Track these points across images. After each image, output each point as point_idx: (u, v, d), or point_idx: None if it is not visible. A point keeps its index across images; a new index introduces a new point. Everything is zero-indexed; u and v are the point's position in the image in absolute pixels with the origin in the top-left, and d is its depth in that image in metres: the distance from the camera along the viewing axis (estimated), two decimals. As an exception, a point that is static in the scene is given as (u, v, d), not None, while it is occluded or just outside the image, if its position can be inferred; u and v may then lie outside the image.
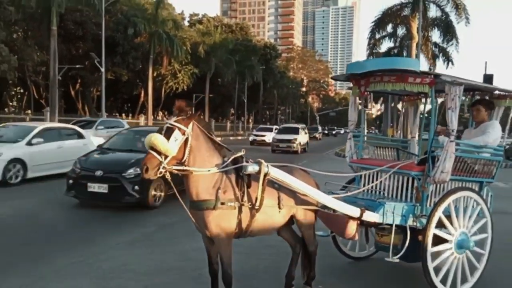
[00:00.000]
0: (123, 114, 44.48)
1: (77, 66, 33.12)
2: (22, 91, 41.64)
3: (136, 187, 8.25)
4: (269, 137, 32.12)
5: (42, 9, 28.31)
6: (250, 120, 71.31)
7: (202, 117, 4.18)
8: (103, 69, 29.17)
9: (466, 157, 4.83)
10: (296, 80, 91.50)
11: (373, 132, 63.14)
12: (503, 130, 5.21)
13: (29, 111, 35.28)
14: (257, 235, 4.14)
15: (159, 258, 5.64)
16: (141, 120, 39.74)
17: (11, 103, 43.28)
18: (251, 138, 35.95)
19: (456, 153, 4.57)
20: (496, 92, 5.37)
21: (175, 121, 3.55)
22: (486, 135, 5.00)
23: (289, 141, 26.67)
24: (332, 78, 10.62)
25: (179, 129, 3.52)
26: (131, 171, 8.35)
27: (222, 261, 3.86)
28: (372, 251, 5.83)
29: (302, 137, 28.58)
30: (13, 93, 42.37)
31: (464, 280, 4.74)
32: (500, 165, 5.08)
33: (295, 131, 28.56)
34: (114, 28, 35.90)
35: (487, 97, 5.42)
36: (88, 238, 6.55)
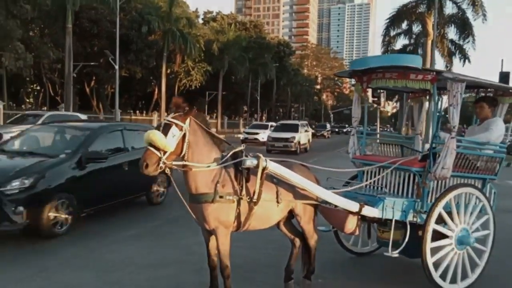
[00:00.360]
0: (137, 111, 44.91)
1: (91, 63, 33.56)
2: (38, 88, 42.31)
3: (20, 208, 5.75)
4: (263, 135, 28.44)
5: (57, 7, 28.78)
6: (264, 118, 71.31)
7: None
8: (117, 67, 29.49)
9: (468, 154, 4.83)
10: (310, 78, 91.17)
11: (387, 130, 62.55)
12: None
13: (45, 108, 35.86)
14: (255, 228, 4.19)
15: (162, 252, 5.74)
16: (155, 117, 40.11)
17: (28, 100, 44.01)
18: (242, 136, 30.70)
19: (458, 149, 4.58)
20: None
21: (172, 118, 3.63)
22: (488, 132, 4.99)
23: (286, 140, 23.77)
24: (335, 74, 10.60)
25: (176, 125, 3.60)
26: (15, 184, 5.83)
27: (220, 254, 3.93)
28: (375, 247, 5.85)
29: (302, 136, 25.61)
30: (29, 90, 43.08)
31: (464, 276, 4.74)
32: (502, 162, 5.06)
33: (294, 128, 25.48)
34: (128, 26, 36.22)
35: (491, 94, 5.40)
36: (92, 232, 6.66)
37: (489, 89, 5.42)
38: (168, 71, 42.38)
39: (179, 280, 4.83)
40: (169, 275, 4.97)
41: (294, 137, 24.11)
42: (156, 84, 43.71)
